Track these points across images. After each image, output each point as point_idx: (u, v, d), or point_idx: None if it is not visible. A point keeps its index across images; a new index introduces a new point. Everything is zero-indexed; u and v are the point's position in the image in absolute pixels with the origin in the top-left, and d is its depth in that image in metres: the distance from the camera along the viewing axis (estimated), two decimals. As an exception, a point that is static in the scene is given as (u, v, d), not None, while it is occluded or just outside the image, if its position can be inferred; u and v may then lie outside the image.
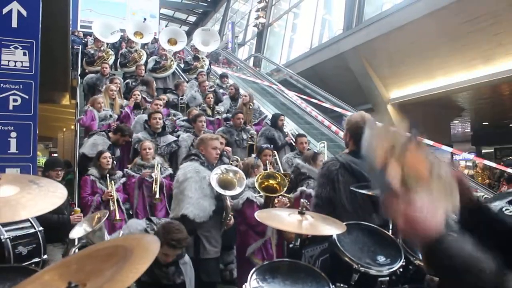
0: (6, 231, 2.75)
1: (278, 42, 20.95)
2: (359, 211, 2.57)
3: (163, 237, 2.75)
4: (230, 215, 3.92)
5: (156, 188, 5.08)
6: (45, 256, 3.00)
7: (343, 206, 2.57)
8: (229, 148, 6.01)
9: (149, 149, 5.32)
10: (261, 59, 18.66)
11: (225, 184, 3.78)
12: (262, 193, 4.00)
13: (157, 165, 5.25)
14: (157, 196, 5.07)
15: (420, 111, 13.54)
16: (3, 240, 2.66)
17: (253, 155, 5.37)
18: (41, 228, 3.01)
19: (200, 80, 9.16)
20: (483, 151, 19.45)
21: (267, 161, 5.28)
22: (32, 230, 2.92)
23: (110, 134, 5.96)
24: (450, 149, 9.27)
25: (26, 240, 2.85)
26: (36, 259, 2.86)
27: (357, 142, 2.76)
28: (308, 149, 6.08)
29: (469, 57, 10.91)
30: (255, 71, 14.03)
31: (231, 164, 5.17)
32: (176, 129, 6.87)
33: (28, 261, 2.76)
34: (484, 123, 18.50)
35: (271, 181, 4.01)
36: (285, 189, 4.02)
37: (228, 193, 3.71)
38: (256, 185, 3.98)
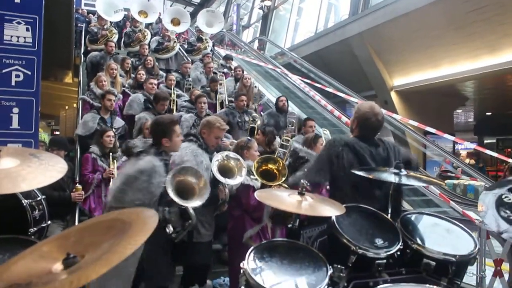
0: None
1: (283, 25, 20.78)
2: (357, 190, 2.61)
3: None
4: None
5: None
6: (49, 222, 3.10)
7: (343, 184, 2.63)
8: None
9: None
10: (266, 42, 18.51)
11: (225, 171, 3.68)
12: (259, 180, 3.84)
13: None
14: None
15: (423, 99, 13.50)
16: (24, 205, 2.82)
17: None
18: (44, 196, 3.10)
19: (206, 62, 9.12)
20: (485, 141, 19.42)
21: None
22: (38, 198, 3.02)
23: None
24: (452, 138, 9.24)
25: (36, 206, 2.96)
26: (43, 224, 2.99)
27: (363, 131, 2.84)
28: None
29: (474, 46, 10.82)
30: (259, 54, 13.93)
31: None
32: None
33: (39, 226, 2.91)
34: (487, 113, 18.44)
35: (270, 165, 3.91)
36: (283, 178, 3.87)
37: (228, 181, 3.61)
38: (254, 169, 3.86)
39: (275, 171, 3.87)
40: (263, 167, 3.86)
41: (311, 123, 6.23)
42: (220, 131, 3.95)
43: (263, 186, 3.76)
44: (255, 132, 6.22)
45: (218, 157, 3.74)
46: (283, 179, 3.85)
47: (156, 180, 2.92)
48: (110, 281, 2.75)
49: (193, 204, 3.02)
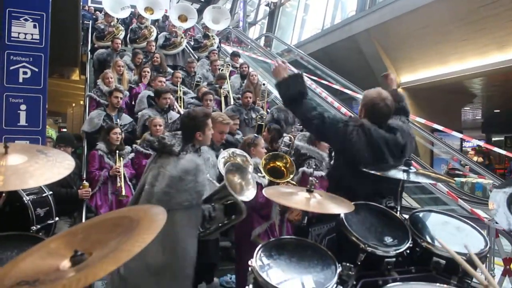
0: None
1: (289, 22, 20.70)
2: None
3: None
4: None
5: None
6: (57, 218, 3.13)
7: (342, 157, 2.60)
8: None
9: (160, 125, 5.28)
10: (272, 39, 18.47)
11: None
12: (267, 178, 3.81)
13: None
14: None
15: (431, 96, 13.41)
16: (25, 202, 2.84)
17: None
18: (50, 192, 3.11)
19: (212, 59, 9.11)
20: (493, 138, 19.29)
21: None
22: (44, 194, 3.05)
23: None
24: (460, 135, 9.16)
25: (41, 203, 2.99)
26: (50, 221, 3.01)
27: (372, 119, 2.70)
28: None
29: (483, 43, 10.71)
30: (266, 50, 13.88)
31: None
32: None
33: (44, 223, 2.93)
34: (495, 111, 18.29)
35: (278, 163, 3.87)
36: (291, 175, 3.85)
37: None
38: (261, 166, 3.83)
39: (282, 168, 3.84)
40: (271, 164, 3.83)
41: None
42: (223, 126, 3.90)
43: (270, 184, 3.74)
44: (263, 129, 6.20)
45: (224, 154, 3.72)
46: (291, 176, 3.83)
47: (201, 179, 2.88)
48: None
49: (244, 197, 3.00)
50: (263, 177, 3.84)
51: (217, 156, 3.72)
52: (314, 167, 4.06)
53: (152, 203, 2.83)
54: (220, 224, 3.11)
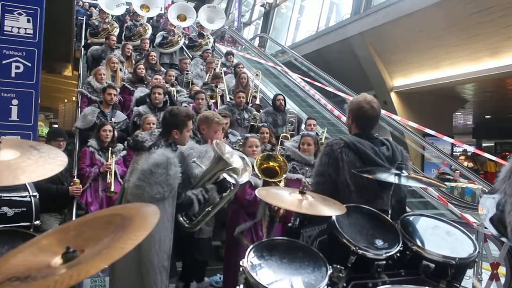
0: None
1: (284, 23, 20.73)
2: (363, 191, 2.52)
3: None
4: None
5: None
6: (37, 222, 3.03)
7: (348, 185, 2.51)
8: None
9: (153, 124, 5.27)
10: (267, 40, 18.47)
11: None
12: (261, 177, 3.85)
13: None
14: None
15: (423, 101, 13.50)
16: None
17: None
18: (35, 194, 3.03)
19: (208, 61, 9.11)
20: (483, 144, 19.45)
21: (265, 140, 5.34)
22: (24, 194, 2.97)
23: None
24: (451, 140, 9.23)
25: (14, 202, 2.90)
26: (26, 223, 2.93)
27: (360, 124, 2.72)
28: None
29: (476, 48, 10.81)
30: (260, 51, 13.89)
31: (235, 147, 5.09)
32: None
33: (15, 223, 2.82)
34: (486, 116, 18.45)
35: (271, 163, 3.91)
36: (285, 174, 3.91)
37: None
38: (256, 168, 3.86)
39: (276, 168, 3.86)
40: (265, 165, 3.86)
41: (310, 122, 6.23)
42: (218, 125, 3.97)
43: (265, 183, 3.77)
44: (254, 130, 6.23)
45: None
46: (285, 175, 3.87)
47: (173, 172, 2.93)
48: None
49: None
50: (255, 175, 3.86)
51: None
52: (292, 169, 4.13)
53: (127, 198, 2.97)
54: (212, 207, 3.21)
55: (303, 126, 7.04)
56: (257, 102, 7.98)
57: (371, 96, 2.77)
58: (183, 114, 3.25)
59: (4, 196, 2.81)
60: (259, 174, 3.79)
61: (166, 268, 2.93)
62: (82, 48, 9.85)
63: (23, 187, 2.94)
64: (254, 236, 3.77)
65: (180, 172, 2.98)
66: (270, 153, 4.14)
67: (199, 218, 3.21)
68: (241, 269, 1.96)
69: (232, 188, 3.21)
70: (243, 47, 15.09)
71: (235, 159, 3.24)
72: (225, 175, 3.18)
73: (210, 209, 3.21)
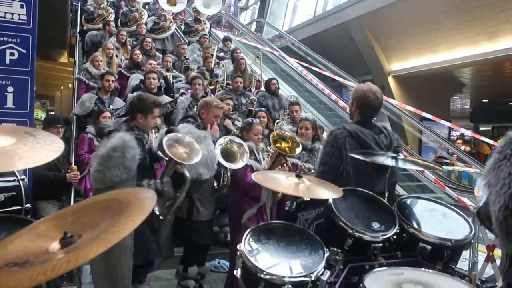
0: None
1: (281, 8, 20.55)
2: (362, 177, 2.56)
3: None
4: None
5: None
6: (27, 205, 3.05)
7: (348, 173, 2.55)
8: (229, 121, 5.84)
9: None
10: (263, 25, 18.34)
11: (228, 155, 3.75)
12: (274, 150, 3.84)
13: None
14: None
15: (420, 85, 13.48)
16: None
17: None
18: (23, 177, 3.05)
19: (205, 46, 9.04)
20: (480, 128, 19.48)
21: (263, 124, 5.31)
22: (12, 178, 2.98)
23: None
24: (448, 124, 9.24)
25: (3, 187, 2.91)
26: (17, 207, 2.94)
27: (363, 112, 2.77)
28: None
29: (474, 32, 10.77)
30: (257, 36, 13.79)
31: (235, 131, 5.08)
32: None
33: (6, 208, 2.83)
34: (483, 100, 18.45)
35: (283, 144, 3.85)
36: (298, 149, 3.89)
37: (232, 166, 3.68)
38: (271, 140, 3.86)
39: (286, 149, 3.84)
40: (278, 145, 3.83)
41: (292, 108, 6.10)
42: (218, 110, 4.00)
43: (279, 155, 3.77)
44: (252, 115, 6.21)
45: (221, 141, 3.80)
46: (297, 150, 3.86)
47: (130, 154, 2.97)
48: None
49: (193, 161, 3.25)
50: (255, 159, 3.88)
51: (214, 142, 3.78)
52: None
53: (92, 184, 3.10)
54: (172, 201, 3.23)
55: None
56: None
57: (375, 86, 2.83)
58: (151, 100, 3.34)
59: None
60: (273, 147, 3.81)
61: (130, 247, 2.97)
62: (78, 35, 9.75)
63: (10, 172, 2.94)
64: (260, 221, 3.78)
65: (139, 154, 3.02)
66: (285, 133, 4.05)
67: (164, 210, 3.25)
68: (238, 253, 1.97)
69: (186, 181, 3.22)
70: (240, 32, 14.98)
71: (192, 153, 3.30)
72: (184, 170, 3.22)
73: (172, 201, 3.24)
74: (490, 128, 19.70)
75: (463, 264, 4.37)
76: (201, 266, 4.05)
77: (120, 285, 3.01)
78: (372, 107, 2.76)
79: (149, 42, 8.23)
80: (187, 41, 9.95)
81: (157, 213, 3.22)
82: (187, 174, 3.19)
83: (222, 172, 3.88)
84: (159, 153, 3.38)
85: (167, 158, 3.29)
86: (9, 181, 2.94)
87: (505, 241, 1.25)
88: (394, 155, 2.40)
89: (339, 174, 2.56)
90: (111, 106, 5.87)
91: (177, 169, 3.16)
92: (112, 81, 6.08)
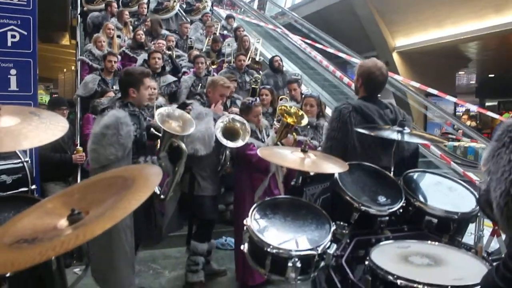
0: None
1: (283, -16, 20.25)
2: (368, 151, 2.57)
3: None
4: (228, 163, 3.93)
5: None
6: (33, 186, 3.06)
7: (355, 148, 2.57)
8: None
9: (154, 89, 5.21)
10: (266, 2, 18.07)
11: (230, 132, 3.75)
12: (282, 122, 3.90)
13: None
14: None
15: (425, 61, 13.33)
16: None
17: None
18: (27, 159, 3.06)
19: (208, 24, 8.95)
20: (486, 103, 19.30)
21: (265, 102, 5.34)
22: (17, 160, 2.98)
23: None
24: (454, 99, 9.16)
25: (10, 170, 2.91)
26: (24, 189, 2.95)
27: (368, 88, 2.77)
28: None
29: (480, 5, 10.58)
30: (259, 13, 13.63)
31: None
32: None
33: (14, 190, 2.83)
34: (490, 75, 18.24)
35: (289, 119, 3.84)
36: (302, 123, 3.96)
37: (230, 144, 3.68)
38: (278, 111, 3.96)
39: (291, 123, 3.84)
40: (284, 119, 3.84)
41: (290, 86, 6.04)
42: (224, 89, 4.00)
43: (287, 126, 3.82)
44: (256, 93, 6.19)
45: (224, 119, 3.81)
46: (303, 121, 3.91)
47: (124, 131, 2.94)
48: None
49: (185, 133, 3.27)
50: (256, 138, 3.92)
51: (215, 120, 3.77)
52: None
53: (90, 163, 3.06)
54: (171, 177, 3.24)
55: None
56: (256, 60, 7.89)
57: (381, 62, 2.83)
58: (138, 71, 3.30)
59: (0, 165, 2.83)
60: (282, 118, 3.85)
61: (130, 227, 2.98)
62: (79, 16, 9.66)
63: (14, 154, 2.96)
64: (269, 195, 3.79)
65: (134, 131, 3.01)
66: (290, 107, 4.04)
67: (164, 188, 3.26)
68: (245, 228, 1.98)
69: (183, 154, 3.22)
70: (242, 10, 14.79)
71: (185, 125, 3.29)
72: (179, 142, 3.20)
73: (171, 178, 3.25)
74: (496, 103, 19.49)
75: (469, 238, 4.37)
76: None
77: (120, 264, 3.02)
78: (377, 83, 2.76)
79: (147, 22, 8.24)
80: (189, 20, 9.84)
81: (158, 192, 3.24)
82: (183, 146, 3.17)
83: (221, 151, 3.87)
84: (153, 130, 3.36)
85: (160, 134, 3.28)
86: (15, 163, 2.95)
87: (505, 226, 1.27)
88: (400, 129, 2.39)
89: (346, 149, 2.58)
90: (114, 86, 5.86)
91: (173, 143, 3.13)
92: (115, 61, 6.07)
